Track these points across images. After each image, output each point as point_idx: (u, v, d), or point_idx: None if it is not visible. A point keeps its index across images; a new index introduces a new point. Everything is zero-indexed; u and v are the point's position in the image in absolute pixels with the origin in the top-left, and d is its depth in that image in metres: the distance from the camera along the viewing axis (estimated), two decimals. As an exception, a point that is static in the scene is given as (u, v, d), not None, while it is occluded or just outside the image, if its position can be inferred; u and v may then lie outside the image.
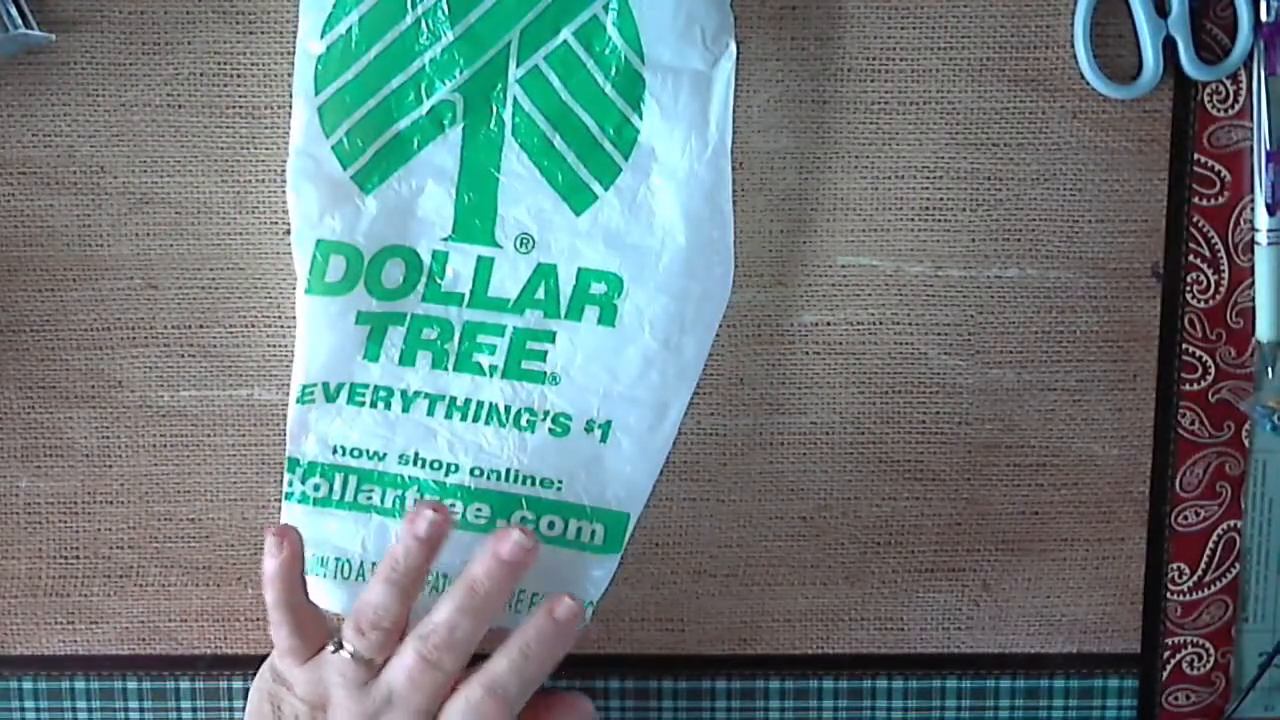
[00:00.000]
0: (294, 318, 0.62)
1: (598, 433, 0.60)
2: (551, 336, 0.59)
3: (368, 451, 0.60)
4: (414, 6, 0.57)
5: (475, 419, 0.60)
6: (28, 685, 0.66)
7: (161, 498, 0.64)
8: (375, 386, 0.60)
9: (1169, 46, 0.61)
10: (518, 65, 0.57)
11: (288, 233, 0.61)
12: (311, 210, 0.58)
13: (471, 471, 0.60)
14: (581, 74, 0.58)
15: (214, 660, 0.66)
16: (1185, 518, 0.65)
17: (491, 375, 0.60)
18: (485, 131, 0.58)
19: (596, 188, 0.59)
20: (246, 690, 0.66)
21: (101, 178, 0.62)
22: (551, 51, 0.57)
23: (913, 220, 0.63)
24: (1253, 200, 0.62)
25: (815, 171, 0.62)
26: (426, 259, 0.59)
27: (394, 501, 0.60)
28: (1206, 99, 0.62)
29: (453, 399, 0.60)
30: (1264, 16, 0.60)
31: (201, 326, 0.63)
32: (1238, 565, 0.66)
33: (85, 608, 0.65)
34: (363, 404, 0.60)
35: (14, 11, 0.59)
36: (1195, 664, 0.67)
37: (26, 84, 0.61)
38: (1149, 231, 0.63)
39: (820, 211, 0.62)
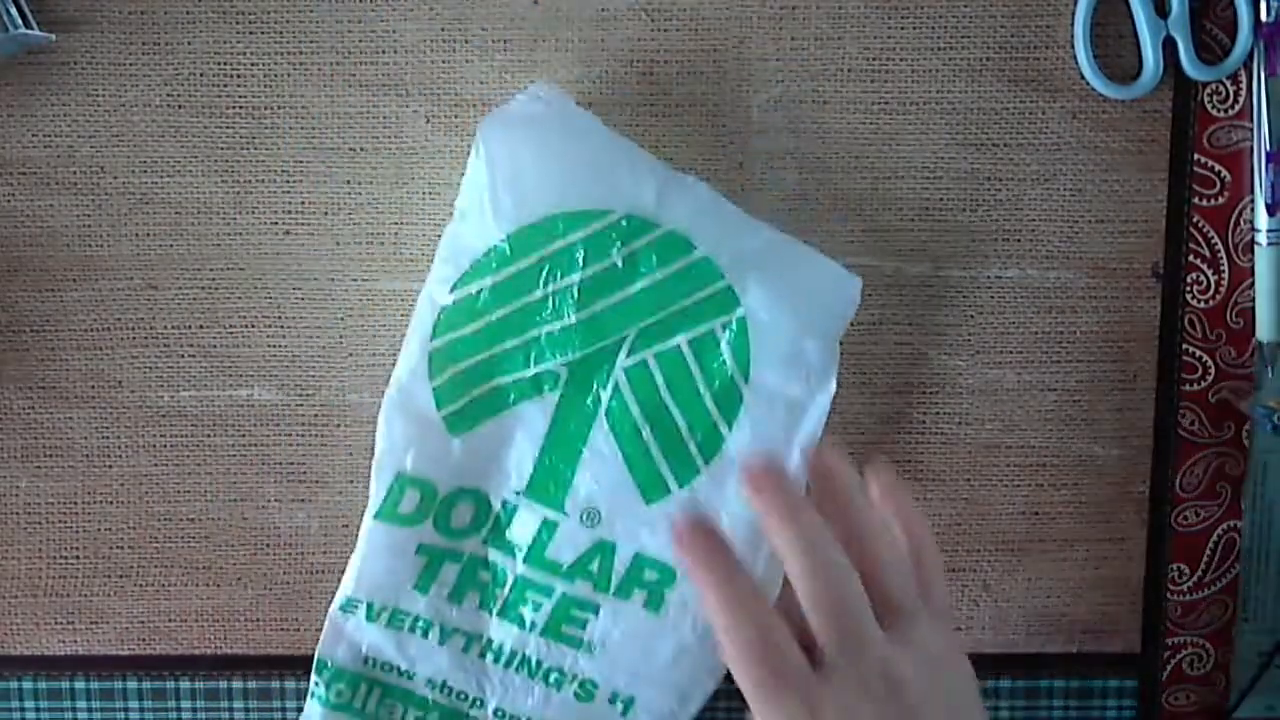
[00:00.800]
0: (294, 318, 0.62)
1: (620, 706, 0.60)
2: (596, 609, 0.59)
3: (398, 669, 0.60)
4: (546, 284, 0.57)
5: (508, 665, 0.60)
6: (28, 685, 0.66)
7: (161, 498, 0.64)
8: (419, 616, 0.60)
9: (1169, 46, 0.61)
10: (628, 355, 0.58)
11: (287, 233, 0.61)
12: (398, 441, 0.58)
13: (495, 712, 0.60)
14: (686, 379, 0.58)
15: (214, 660, 0.66)
16: (1185, 518, 0.65)
17: (531, 630, 0.60)
18: (581, 405, 0.58)
19: (673, 484, 0.59)
20: (246, 690, 0.66)
21: (101, 178, 0.62)
22: (663, 352, 0.58)
23: (913, 220, 0.63)
24: (1253, 200, 0.62)
25: (815, 171, 0.62)
26: (496, 506, 0.59)
27: None
28: (1206, 99, 0.62)
29: (490, 641, 0.60)
30: (1264, 16, 0.60)
31: (201, 326, 0.63)
32: (1237, 565, 0.66)
33: (85, 608, 0.65)
34: (401, 628, 0.60)
35: (14, 11, 0.59)
36: (1195, 664, 0.67)
37: (26, 84, 0.61)
38: (1149, 231, 0.63)
39: (820, 211, 0.62)
